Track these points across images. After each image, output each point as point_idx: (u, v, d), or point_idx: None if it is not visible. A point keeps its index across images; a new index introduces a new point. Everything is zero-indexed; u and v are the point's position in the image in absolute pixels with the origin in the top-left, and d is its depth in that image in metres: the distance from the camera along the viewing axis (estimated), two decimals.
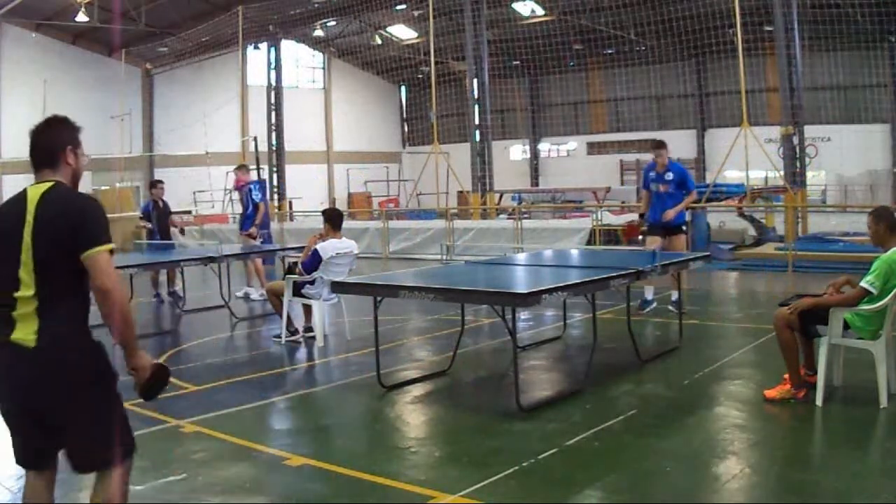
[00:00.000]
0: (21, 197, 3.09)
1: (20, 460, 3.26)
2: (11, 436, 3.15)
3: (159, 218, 12.21)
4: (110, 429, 3.10)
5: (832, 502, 3.90)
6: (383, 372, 6.31)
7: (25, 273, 2.95)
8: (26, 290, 2.94)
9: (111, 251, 3.05)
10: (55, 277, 2.97)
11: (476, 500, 3.99)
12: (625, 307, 7.29)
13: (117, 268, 7.26)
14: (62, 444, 3.12)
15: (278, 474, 4.52)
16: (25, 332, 2.93)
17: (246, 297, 11.65)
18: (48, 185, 3.09)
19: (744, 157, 16.77)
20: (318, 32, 32.44)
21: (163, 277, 11.94)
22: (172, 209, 13.44)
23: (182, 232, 14.32)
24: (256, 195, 12.00)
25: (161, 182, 12.63)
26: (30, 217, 2.97)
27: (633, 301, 7.76)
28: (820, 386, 5.35)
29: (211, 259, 9.89)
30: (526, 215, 19.16)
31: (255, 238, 11.96)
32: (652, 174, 9.45)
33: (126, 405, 5.33)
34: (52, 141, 3.22)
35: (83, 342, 3.08)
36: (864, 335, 5.31)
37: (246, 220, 12.15)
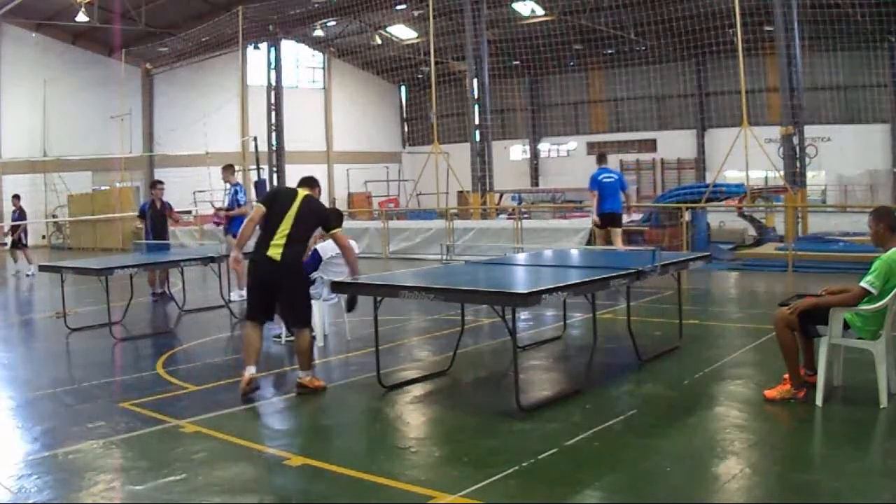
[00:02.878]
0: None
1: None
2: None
3: (153, 218, 12.19)
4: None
5: (832, 502, 3.90)
6: (383, 372, 6.31)
7: None
8: None
9: None
10: None
11: (476, 500, 3.99)
12: (625, 307, 7.28)
13: (117, 268, 7.20)
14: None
15: (278, 474, 4.51)
16: None
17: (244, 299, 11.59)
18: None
19: (744, 157, 16.77)
20: (318, 32, 32.47)
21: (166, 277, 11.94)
22: (173, 209, 13.39)
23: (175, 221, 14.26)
24: (242, 197, 12.00)
25: (160, 182, 12.59)
26: None
27: (633, 301, 7.75)
28: (820, 386, 5.35)
29: (211, 259, 9.90)
30: (526, 215, 19.17)
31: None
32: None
33: (126, 405, 5.38)
34: None
35: None
36: (864, 335, 5.31)
37: (232, 222, 12.13)
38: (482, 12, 22.26)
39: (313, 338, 8.12)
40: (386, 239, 18.28)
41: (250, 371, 6.05)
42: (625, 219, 13.01)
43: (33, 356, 8.71)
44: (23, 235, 17.96)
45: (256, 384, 6.09)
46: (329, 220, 6.42)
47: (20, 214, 18.32)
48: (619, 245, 11.90)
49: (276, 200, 6.28)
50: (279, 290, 6.13)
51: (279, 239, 6.04)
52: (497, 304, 5.78)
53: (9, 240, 18.07)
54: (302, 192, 6.26)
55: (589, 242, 15.31)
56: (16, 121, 27.80)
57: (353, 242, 8.32)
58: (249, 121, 29.34)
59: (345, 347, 7.99)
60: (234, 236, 12.07)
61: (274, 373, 7.16)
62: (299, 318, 6.21)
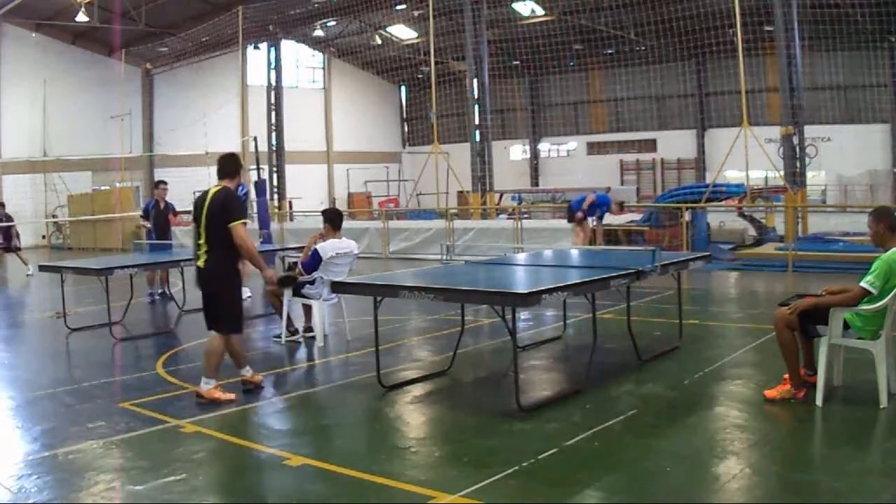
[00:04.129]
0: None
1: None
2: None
3: (157, 218, 12.19)
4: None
5: (832, 502, 3.90)
6: (383, 372, 6.31)
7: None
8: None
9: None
10: None
11: (476, 500, 3.99)
12: (625, 307, 7.29)
13: (117, 268, 7.16)
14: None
15: (278, 474, 4.51)
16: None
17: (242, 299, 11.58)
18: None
19: (744, 157, 16.77)
20: (318, 32, 32.45)
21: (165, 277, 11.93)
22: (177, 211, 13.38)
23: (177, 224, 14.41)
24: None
25: (164, 183, 12.60)
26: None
27: (633, 301, 7.75)
28: (820, 386, 5.35)
29: None
30: (526, 215, 19.17)
31: None
32: (604, 208, 13.87)
33: (126, 405, 5.38)
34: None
35: None
36: (864, 335, 5.31)
37: None
38: (482, 12, 22.26)
39: (313, 338, 8.15)
40: (386, 239, 18.28)
41: (246, 371, 6.17)
42: (623, 218, 13.76)
43: (33, 356, 8.71)
44: (15, 238, 17.87)
45: (254, 381, 6.16)
46: (231, 211, 5.86)
47: (6, 219, 18.19)
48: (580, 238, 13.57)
49: (195, 209, 6.03)
50: (207, 296, 6.05)
51: (202, 248, 5.92)
52: (497, 304, 5.79)
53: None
54: (213, 191, 5.95)
55: (589, 242, 15.31)
56: (16, 121, 27.77)
57: (353, 242, 8.36)
58: (249, 121, 29.29)
59: (345, 347, 7.98)
60: None
61: (274, 373, 7.16)
62: (226, 325, 6.02)
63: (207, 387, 5.90)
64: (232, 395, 5.97)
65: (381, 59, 34.89)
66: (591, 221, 13.80)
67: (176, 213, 12.64)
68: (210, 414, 5.63)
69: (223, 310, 5.99)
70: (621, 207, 14.82)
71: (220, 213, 5.82)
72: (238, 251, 5.88)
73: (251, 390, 6.14)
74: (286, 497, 4.23)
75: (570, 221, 14.03)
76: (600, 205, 13.79)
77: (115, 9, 25.53)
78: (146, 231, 12.54)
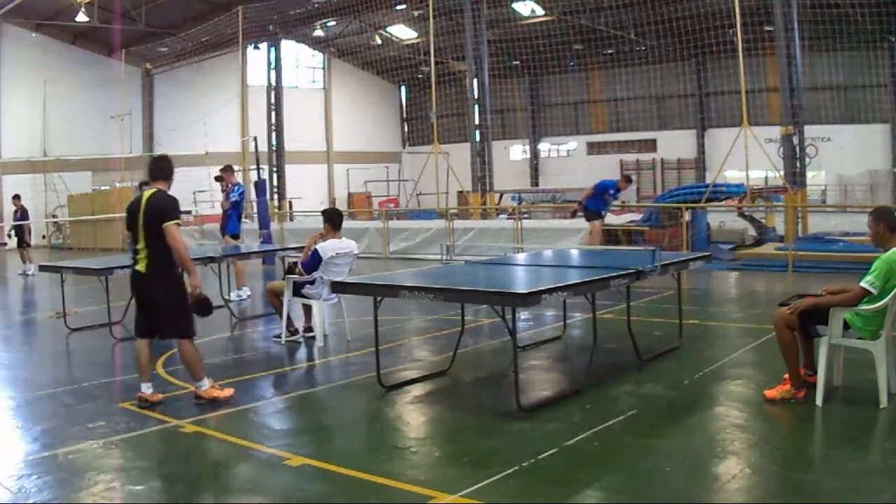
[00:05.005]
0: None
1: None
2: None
3: None
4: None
5: (832, 502, 3.90)
6: (383, 372, 6.31)
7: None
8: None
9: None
10: None
11: (476, 500, 3.99)
12: (625, 307, 7.29)
13: (117, 268, 7.07)
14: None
15: (278, 474, 4.51)
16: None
17: (242, 299, 11.58)
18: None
19: (744, 157, 16.77)
20: (318, 32, 32.44)
21: None
22: None
23: None
24: (233, 196, 12.03)
25: (146, 184, 12.58)
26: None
27: (633, 301, 7.75)
28: (820, 386, 5.35)
29: (211, 259, 9.89)
30: (526, 215, 19.16)
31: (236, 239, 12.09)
32: (612, 192, 14.02)
33: (126, 405, 5.38)
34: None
35: None
36: (864, 335, 5.31)
37: (230, 222, 12.16)
38: (482, 12, 22.25)
39: (313, 338, 8.15)
40: (386, 239, 18.28)
41: (146, 388, 5.87)
42: (623, 218, 13.94)
43: (33, 356, 8.72)
44: (27, 235, 18.02)
45: (152, 401, 5.84)
46: (163, 213, 5.71)
47: (23, 214, 18.35)
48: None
49: (130, 215, 5.93)
50: (150, 301, 5.88)
51: (142, 253, 5.80)
52: (497, 304, 5.78)
53: (10, 240, 18.07)
54: (147, 195, 5.83)
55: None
56: (16, 121, 27.78)
57: (353, 242, 8.36)
58: (249, 121, 29.29)
59: (345, 347, 7.98)
60: (233, 237, 12.16)
61: (274, 373, 7.16)
62: (175, 329, 5.90)
63: (203, 387, 5.88)
64: (230, 391, 5.94)
65: (381, 59, 34.89)
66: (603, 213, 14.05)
67: None
68: (210, 414, 5.63)
69: (174, 312, 5.82)
70: (629, 180, 14.90)
71: (155, 215, 5.72)
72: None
73: (146, 408, 5.78)
74: (286, 497, 4.23)
75: (588, 220, 14.14)
76: (604, 189, 13.75)
77: (115, 9, 25.53)
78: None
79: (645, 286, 9.83)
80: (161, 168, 5.99)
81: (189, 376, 6.01)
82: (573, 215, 13.98)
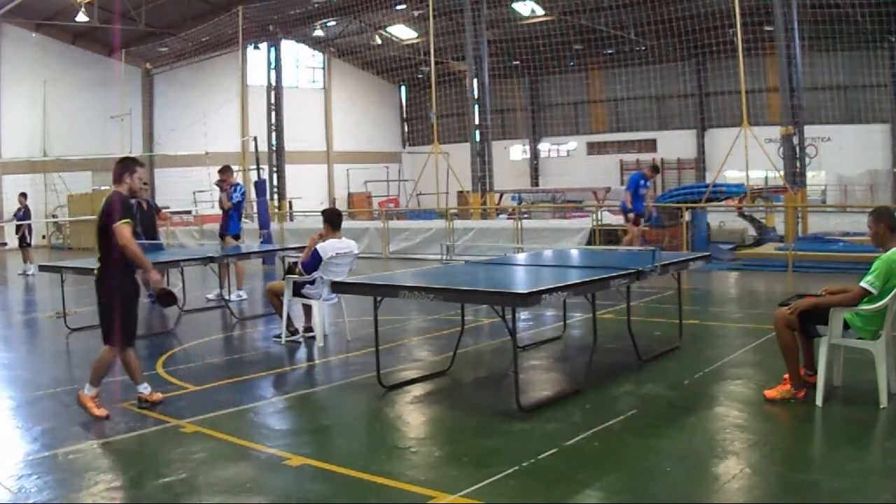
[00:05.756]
0: None
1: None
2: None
3: (142, 220, 12.16)
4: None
5: (832, 502, 3.90)
6: (383, 372, 6.31)
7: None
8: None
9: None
10: None
11: (476, 500, 3.99)
12: (625, 307, 7.29)
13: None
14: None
15: (278, 474, 4.51)
16: None
17: (242, 299, 11.57)
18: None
19: (744, 157, 16.77)
20: (318, 32, 32.45)
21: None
22: (173, 209, 13.43)
23: (166, 218, 14.61)
24: (236, 196, 12.04)
25: (144, 183, 12.60)
26: None
27: (633, 301, 7.76)
28: (820, 386, 5.35)
29: (211, 259, 9.90)
30: (526, 215, 19.16)
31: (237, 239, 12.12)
32: (643, 182, 13.95)
33: (126, 405, 5.38)
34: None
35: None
36: (864, 335, 5.31)
37: (231, 222, 12.17)
38: (482, 12, 22.25)
39: (313, 338, 8.15)
40: (386, 239, 18.28)
41: (143, 389, 5.85)
42: (623, 219, 13.93)
43: (33, 356, 8.72)
44: (27, 234, 18.03)
45: (151, 400, 5.82)
46: (111, 215, 5.61)
47: (25, 213, 18.36)
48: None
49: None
50: (101, 306, 5.79)
51: (98, 256, 5.80)
52: (497, 304, 5.78)
53: (11, 239, 18.10)
54: (105, 198, 5.79)
55: (589, 242, 15.33)
56: (16, 121, 27.77)
57: (352, 242, 8.36)
58: (249, 121, 29.31)
59: (345, 347, 7.98)
60: (235, 237, 12.18)
61: (274, 373, 7.17)
62: (103, 333, 5.74)
63: (86, 392, 5.68)
64: (104, 412, 5.59)
65: (381, 59, 34.89)
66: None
67: (159, 211, 12.66)
68: (210, 414, 5.63)
69: (113, 321, 5.66)
70: (655, 169, 14.73)
71: (104, 217, 5.65)
72: (125, 256, 5.65)
73: (146, 408, 5.76)
74: (286, 497, 4.23)
75: (635, 224, 13.97)
76: (637, 185, 13.66)
77: (115, 9, 25.52)
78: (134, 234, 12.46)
79: (645, 286, 9.83)
80: (115, 172, 5.90)
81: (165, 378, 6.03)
82: (632, 222, 13.78)
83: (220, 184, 12.39)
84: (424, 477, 4.37)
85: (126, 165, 5.93)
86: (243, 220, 13.73)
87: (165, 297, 6.18)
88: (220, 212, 12.83)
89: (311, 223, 20.34)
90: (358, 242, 9.52)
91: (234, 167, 12.95)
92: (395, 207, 30.39)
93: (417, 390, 6.25)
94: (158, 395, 5.96)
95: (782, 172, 17.22)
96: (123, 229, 5.59)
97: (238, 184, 12.47)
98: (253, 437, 5.14)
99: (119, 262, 5.65)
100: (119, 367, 5.93)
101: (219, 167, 12.48)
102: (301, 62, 36.17)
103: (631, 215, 13.76)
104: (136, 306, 5.87)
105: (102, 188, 27.70)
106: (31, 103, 27.63)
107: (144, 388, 5.90)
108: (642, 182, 13.87)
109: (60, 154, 26.80)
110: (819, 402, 5.32)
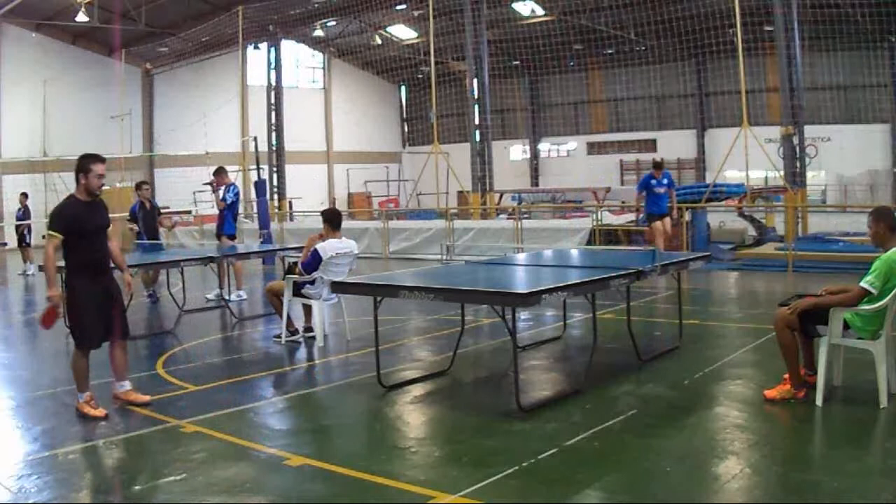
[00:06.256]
0: None
1: None
2: None
3: (145, 219, 12.18)
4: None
5: (832, 502, 3.90)
6: (383, 372, 6.31)
7: None
8: None
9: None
10: None
11: (476, 500, 3.99)
12: (625, 307, 7.29)
13: (116, 268, 6.94)
14: None
15: (278, 474, 4.51)
16: None
17: (242, 299, 11.56)
18: None
19: (744, 157, 16.77)
20: (318, 32, 32.45)
21: (161, 277, 11.93)
22: (173, 209, 13.45)
23: (173, 226, 14.59)
24: (229, 196, 12.07)
25: (146, 183, 12.67)
26: None
27: (633, 301, 7.76)
28: (820, 386, 5.35)
29: (210, 259, 9.89)
30: (526, 215, 19.16)
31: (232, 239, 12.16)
32: (653, 181, 13.39)
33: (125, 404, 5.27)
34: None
35: None
36: (864, 335, 5.31)
37: (225, 223, 12.18)
38: (482, 12, 22.23)
39: (313, 338, 8.15)
40: (386, 239, 18.28)
41: (81, 396, 5.74)
42: (623, 218, 13.83)
43: (33, 356, 8.72)
44: (27, 234, 18.03)
45: (125, 399, 5.85)
46: (51, 222, 5.85)
47: (24, 213, 18.36)
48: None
49: None
50: None
51: None
52: (497, 304, 5.78)
53: (11, 240, 18.11)
54: None
55: (589, 242, 15.33)
56: (16, 121, 27.76)
57: (352, 242, 8.36)
58: (249, 121, 29.32)
59: (345, 347, 7.98)
60: (230, 237, 12.21)
61: (274, 373, 7.17)
62: (74, 338, 5.87)
63: (81, 400, 5.69)
64: (103, 412, 5.61)
65: (381, 59, 34.89)
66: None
67: (160, 212, 12.69)
68: (210, 414, 5.63)
69: (74, 323, 5.79)
70: (658, 165, 13.74)
71: None
72: (82, 260, 5.78)
73: (127, 407, 5.81)
74: (286, 497, 4.23)
75: (650, 224, 13.64)
76: (648, 187, 13.33)
77: (115, 9, 25.51)
78: (135, 234, 12.49)
79: (645, 286, 9.83)
80: (76, 167, 5.95)
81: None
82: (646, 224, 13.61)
83: (211, 184, 12.44)
84: (424, 477, 4.37)
85: (79, 165, 5.88)
86: (243, 220, 13.74)
87: (48, 317, 5.89)
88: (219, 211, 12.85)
89: (311, 223, 20.34)
90: (358, 242, 9.52)
91: (235, 167, 12.96)
92: (395, 207, 30.39)
93: (417, 390, 6.25)
94: (141, 397, 5.92)
95: (782, 172, 17.22)
96: (47, 240, 5.68)
97: (232, 184, 12.48)
98: (253, 437, 5.14)
99: (73, 265, 5.79)
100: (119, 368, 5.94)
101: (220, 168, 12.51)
102: (301, 62, 36.17)
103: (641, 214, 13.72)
104: (93, 308, 5.78)
105: (102, 188, 27.71)
106: (31, 103, 27.62)
107: (121, 387, 5.90)
108: (653, 182, 13.26)
109: (60, 154, 26.74)
110: (819, 402, 5.32)
